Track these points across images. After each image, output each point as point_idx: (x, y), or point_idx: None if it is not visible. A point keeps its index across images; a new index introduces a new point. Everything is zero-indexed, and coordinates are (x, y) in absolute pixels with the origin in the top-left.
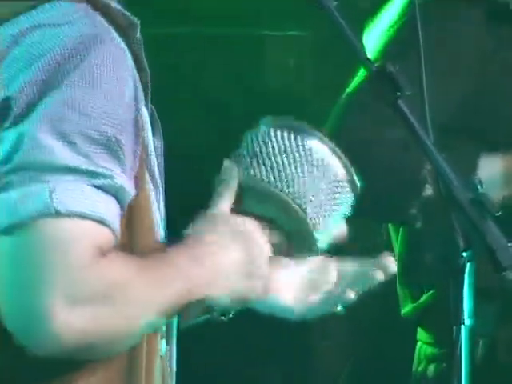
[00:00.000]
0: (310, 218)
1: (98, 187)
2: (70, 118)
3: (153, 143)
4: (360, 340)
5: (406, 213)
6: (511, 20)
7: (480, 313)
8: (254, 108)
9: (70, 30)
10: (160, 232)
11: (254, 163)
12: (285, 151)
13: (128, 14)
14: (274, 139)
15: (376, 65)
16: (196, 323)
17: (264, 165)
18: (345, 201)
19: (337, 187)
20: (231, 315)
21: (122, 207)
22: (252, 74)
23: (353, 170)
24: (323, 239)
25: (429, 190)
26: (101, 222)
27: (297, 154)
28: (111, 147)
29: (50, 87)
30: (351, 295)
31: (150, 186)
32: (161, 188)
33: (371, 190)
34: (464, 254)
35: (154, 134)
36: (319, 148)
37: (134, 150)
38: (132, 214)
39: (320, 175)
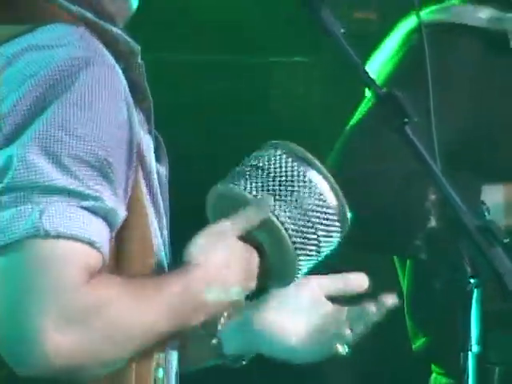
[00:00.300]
0: (291, 239)
1: (87, 209)
2: (60, 139)
3: (156, 169)
4: (374, 372)
5: (410, 245)
6: (510, 50)
7: (495, 340)
8: (261, 135)
9: (62, 52)
10: (161, 259)
11: (253, 180)
12: (286, 176)
13: (129, 39)
14: (278, 162)
15: (383, 90)
16: (206, 366)
17: (262, 184)
18: (330, 236)
19: (327, 221)
20: (244, 362)
21: (111, 229)
22: (258, 100)
23: (347, 210)
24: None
25: (433, 222)
26: (90, 243)
27: (296, 181)
28: (101, 169)
29: (40, 108)
30: (348, 333)
31: (150, 210)
32: (164, 214)
33: (375, 224)
34: (471, 281)
35: (159, 161)
36: (319, 181)
37: (126, 173)
38: (126, 238)
39: (312, 204)
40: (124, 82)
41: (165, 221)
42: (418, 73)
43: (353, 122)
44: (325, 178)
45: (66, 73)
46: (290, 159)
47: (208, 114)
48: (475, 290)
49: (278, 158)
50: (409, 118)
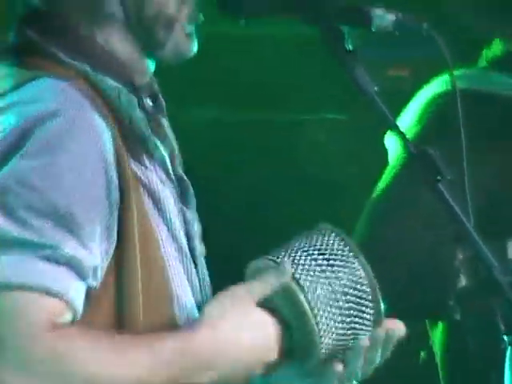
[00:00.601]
0: (318, 325)
1: (45, 258)
2: (15, 190)
3: (183, 213)
4: None
5: (444, 306)
6: None
7: None
8: (292, 194)
9: (35, 108)
10: (189, 311)
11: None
12: (333, 259)
13: (129, 93)
14: (325, 243)
15: (417, 148)
16: None
17: (304, 267)
18: (361, 330)
19: (359, 313)
20: None
21: (81, 277)
22: (289, 157)
23: (381, 301)
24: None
25: (463, 280)
26: (46, 292)
27: (338, 262)
28: (59, 218)
29: (2, 162)
30: (339, 367)
31: (173, 258)
32: (192, 261)
33: (407, 288)
34: (505, 338)
35: (186, 205)
36: (359, 269)
37: (103, 221)
38: (128, 291)
39: (348, 292)
40: (104, 135)
41: (199, 266)
42: (444, 135)
43: (378, 189)
44: (362, 264)
45: (29, 126)
46: (337, 239)
47: (237, 170)
48: (509, 348)
49: (323, 236)
50: (442, 176)
